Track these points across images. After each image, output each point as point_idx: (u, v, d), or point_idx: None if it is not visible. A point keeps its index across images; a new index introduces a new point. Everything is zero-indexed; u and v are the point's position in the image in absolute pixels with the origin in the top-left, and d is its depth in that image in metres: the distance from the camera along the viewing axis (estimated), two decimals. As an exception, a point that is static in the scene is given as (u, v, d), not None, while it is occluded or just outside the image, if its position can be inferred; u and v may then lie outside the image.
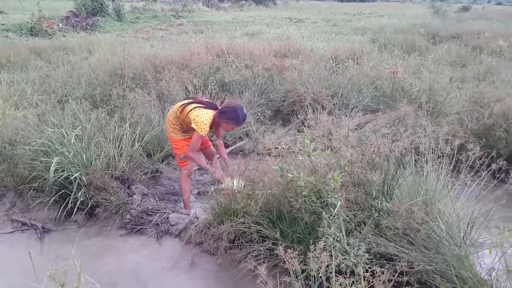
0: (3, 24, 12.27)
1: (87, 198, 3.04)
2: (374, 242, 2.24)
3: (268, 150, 3.66)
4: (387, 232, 2.26)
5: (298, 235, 2.43)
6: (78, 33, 11.80)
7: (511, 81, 5.44)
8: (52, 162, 2.94)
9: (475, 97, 4.54)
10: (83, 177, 3.00)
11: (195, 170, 3.45)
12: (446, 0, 29.44)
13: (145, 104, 4.25)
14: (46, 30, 11.87)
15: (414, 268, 2.06)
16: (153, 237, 2.94)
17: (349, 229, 2.31)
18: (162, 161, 3.93)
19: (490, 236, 2.14)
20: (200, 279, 2.54)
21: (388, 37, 9.95)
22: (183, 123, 3.05)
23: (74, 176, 2.98)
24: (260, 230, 2.52)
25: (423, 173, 2.49)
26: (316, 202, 2.31)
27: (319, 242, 1.93)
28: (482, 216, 2.19)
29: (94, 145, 3.29)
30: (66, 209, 3.01)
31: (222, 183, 2.96)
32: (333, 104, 4.65)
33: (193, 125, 2.90)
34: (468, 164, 2.36)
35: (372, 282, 1.78)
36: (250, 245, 2.53)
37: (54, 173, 2.94)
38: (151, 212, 3.11)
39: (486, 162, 2.40)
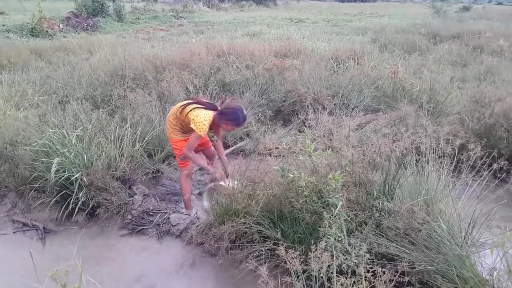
0: (4, 25, 12.29)
1: (88, 199, 3.04)
2: (375, 242, 2.24)
3: (269, 150, 3.67)
4: (388, 232, 2.26)
5: (299, 235, 2.43)
6: (78, 33, 11.79)
7: (512, 80, 5.44)
8: (53, 163, 2.95)
9: (476, 97, 4.54)
10: (84, 178, 3.00)
11: (196, 171, 3.45)
12: (446, 0, 29.42)
13: (146, 105, 4.25)
14: (47, 31, 11.89)
15: (415, 268, 2.06)
16: (154, 237, 2.94)
17: (350, 229, 2.31)
18: (163, 161, 3.93)
19: (492, 236, 2.14)
20: (201, 279, 2.54)
21: (388, 37, 9.93)
22: (183, 124, 3.05)
23: (75, 176, 2.99)
24: (261, 230, 2.52)
25: (424, 173, 2.49)
26: (317, 202, 2.31)
27: (320, 242, 1.93)
28: (483, 216, 2.19)
29: (95, 146, 3.30)
30: (67, 209, 3.02)
31: (220, 182, 2.96)
32: (334, 104, 4.64)
33: (192, 125, 2.87)
34: (469, 164, 2.36)
35: (373, 282, 1.78)
36: (251, 246, 2.53)
37: (55, 174, 2.95)
38: (152, 212, 3.11)
39: (487, 162, 2.40)
